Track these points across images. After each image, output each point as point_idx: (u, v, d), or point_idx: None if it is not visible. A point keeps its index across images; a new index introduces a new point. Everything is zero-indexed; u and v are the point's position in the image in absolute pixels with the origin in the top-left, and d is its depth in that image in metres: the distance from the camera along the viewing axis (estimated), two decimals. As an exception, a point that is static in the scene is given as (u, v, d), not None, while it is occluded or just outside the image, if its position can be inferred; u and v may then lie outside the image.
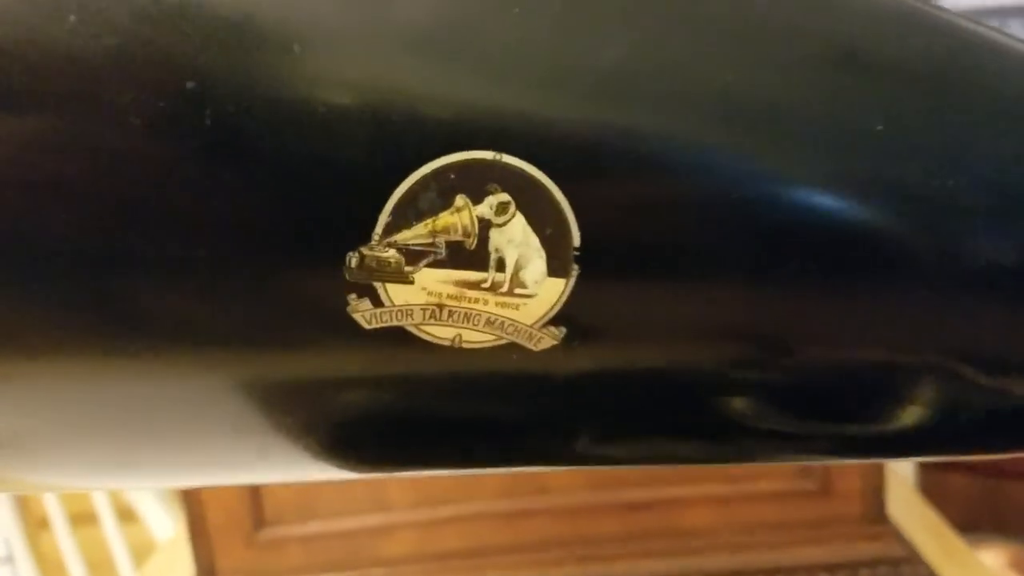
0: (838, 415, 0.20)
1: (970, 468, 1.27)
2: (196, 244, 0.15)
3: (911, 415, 0.20)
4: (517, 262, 0.16)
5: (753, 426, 0.20)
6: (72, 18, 0.14)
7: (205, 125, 0.15)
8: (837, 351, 0.19)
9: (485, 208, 0.16)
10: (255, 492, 0.66)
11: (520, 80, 0.16)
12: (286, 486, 0.66)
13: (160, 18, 0.14)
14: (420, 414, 0.19)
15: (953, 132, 0.18)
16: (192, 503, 0.65)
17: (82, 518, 1.03)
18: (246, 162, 0.15)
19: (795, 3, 0.18)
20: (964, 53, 0.19)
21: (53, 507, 0.94)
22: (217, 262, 0.16)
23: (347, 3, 0.16)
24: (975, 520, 1.29)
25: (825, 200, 0.18)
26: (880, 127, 0.17)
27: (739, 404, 0.20)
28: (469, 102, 0.16)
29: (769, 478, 0.64)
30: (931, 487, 1.30)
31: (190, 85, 0.15)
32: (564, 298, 0.16)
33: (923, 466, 1.32)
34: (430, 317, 0.16)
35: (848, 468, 0.66)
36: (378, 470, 0.22)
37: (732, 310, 0.18)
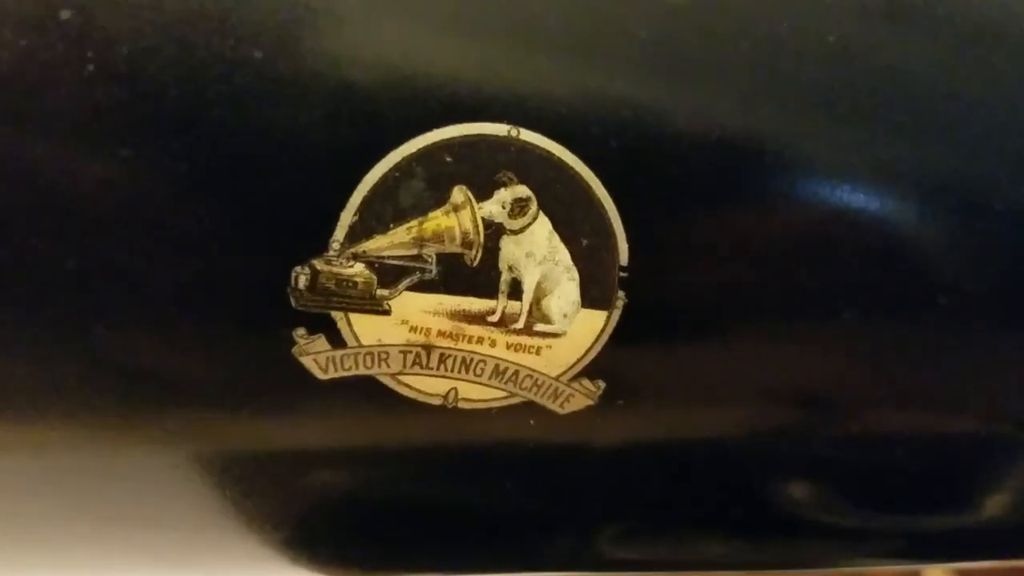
0: (916, 502, 0.17)
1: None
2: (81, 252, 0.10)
3: (1006, 503, 0.17)
4: (539, 286, 0.12)
5: (812, 519, 0.17)
6: None
7: (86, 72, 0.10)
8: (926, 415, 0.16)
9: (495, 206, 0.12)
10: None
11: (547, 36, 0.12)
12: None
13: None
14: (395, 502, 0.15)
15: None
16: None
17: None
18: (143, 126, 0.10)
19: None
20: None
21: None
22: (118, 284, 0.11)
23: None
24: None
25: (930, 224, 0.14)
26: None
27: (797, 491, 0.16)
28: (474, 58, 0.12)
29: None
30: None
31: (65, 15, 0.10)
32: (605, 339, 0.12)
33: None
34: (413, 363, 0.12)
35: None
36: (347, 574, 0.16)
37: (813, 355, 0.14)
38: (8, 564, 0.16)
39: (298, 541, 0.15)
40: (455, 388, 0.13)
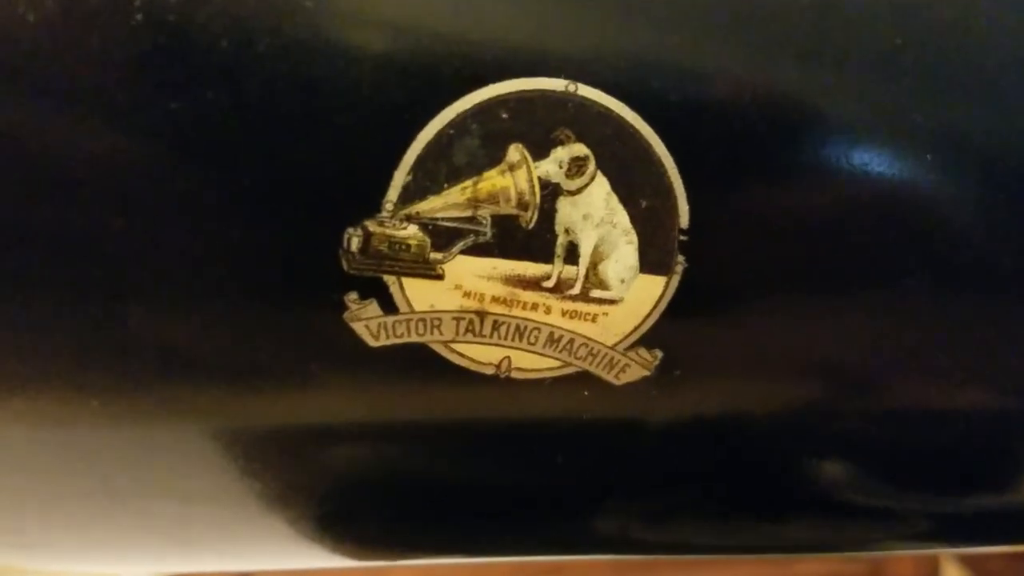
0: (944, 481, 0.17)
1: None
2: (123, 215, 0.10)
3: None
4: (596, 249, 0.12)
5: (843, 499, 0.16)
6: None
7: (135, 20, 0.10)
8: (952, 390, 0.15)
9: (551, 165, 0.11)
10: None
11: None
12: None
13: None
14: (444, 477, 0.14)
15: None
16: None
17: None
18: (194, 79, 0.10)
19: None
20: None
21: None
22: (163, 255, 0.10)
23: None
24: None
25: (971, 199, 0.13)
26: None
27: (834, 469, 0.16)
28: (531, 11, 0.11)
29: (815, 561, 0.58)
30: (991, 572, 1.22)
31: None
32: (663, 306, 0.12)
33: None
34: (466, 331, 0.12)
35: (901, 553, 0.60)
36: (380, 556, 0.16)
37: (868, 328, 0.14)
38: (33, 540, 0.16)
39: (335, 519, 0.14)
40: (508, 357, 0.12)
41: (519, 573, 0.60)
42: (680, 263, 0.12)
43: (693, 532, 0.17)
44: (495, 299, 0.12)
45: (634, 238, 0.12)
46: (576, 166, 0.11)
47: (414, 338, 0.12)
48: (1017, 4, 0.13)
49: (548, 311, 0.12)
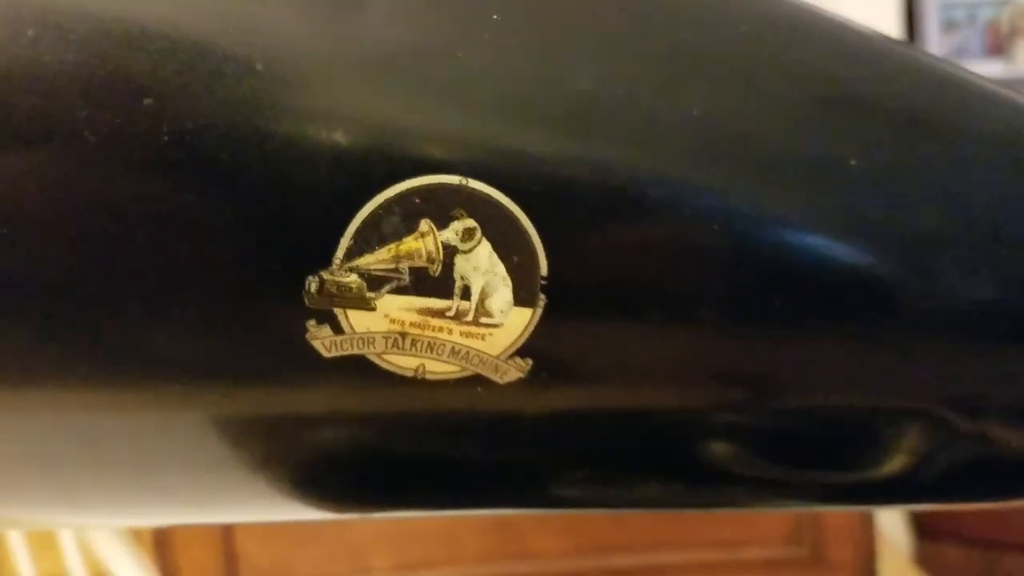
0: (820, 462, 0.20)
1: (968, 540, 1.25)
2: (149, 264, 0.15)
3: (894, 462, 0.19)
4: (483, 290, 0.16)
5: (735, 472, 0.20)
6: (30, 32, 0.14)
7: (162, 141, 0.14)
8: (817, 396, 0.19)
9: (450, 234, 0.15)
10: (231, 556, 0.64)
11: (489, 106, 0.16)
12: (263, 547, 0.64)
13: (120, 35, 0.14)
14: (384, 452, 0.18)
15: (928, 171, 0.18)
16: (167, 565, 0.63)
17: (55, 584, 1.00)
18: (203, 181, 0.15)
19: (771, 39, 0.18)
20: (941, 94, 0.19)
21: (26, 570, 0.92)
22: (172, 285, 0.15)
23: (314, 25, 0.16)
24: (973, 595, 1.26)
25: (801, 238, 0.17)
26: (854, 162, 0.17)
27: (719, 449, 0.19)
28: (436, 127, 0.16)
29: (760, 545, 0.63)
30: (928, 560, 1.27)
31: (147, 102, 0.14)
32: (531, 329, 0.16)
33: (920, 538, 1.30)
34: (392, 346, 0.16)
35: (840, 536, 0.65)
36: (344, 511, 0.21)
37: (707, 353, 0.18)
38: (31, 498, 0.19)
39: (305, 483, 0.19)
40: (423, 364, 0.16)
41: (487, 557, 0.65)
42: (542, 299, 0.16)
43: (595, 492, 0.21)
44: (412, 324, 0.16)
45: (509, 283, 0.16)
46: (468, 234, 0.16)
47: (356, 351, 0.16)
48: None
49: (450, 332, 0.16)
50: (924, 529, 1.28)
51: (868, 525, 0.67)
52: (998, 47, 1.52)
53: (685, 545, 0.62)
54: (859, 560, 0.66)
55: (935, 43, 1.49)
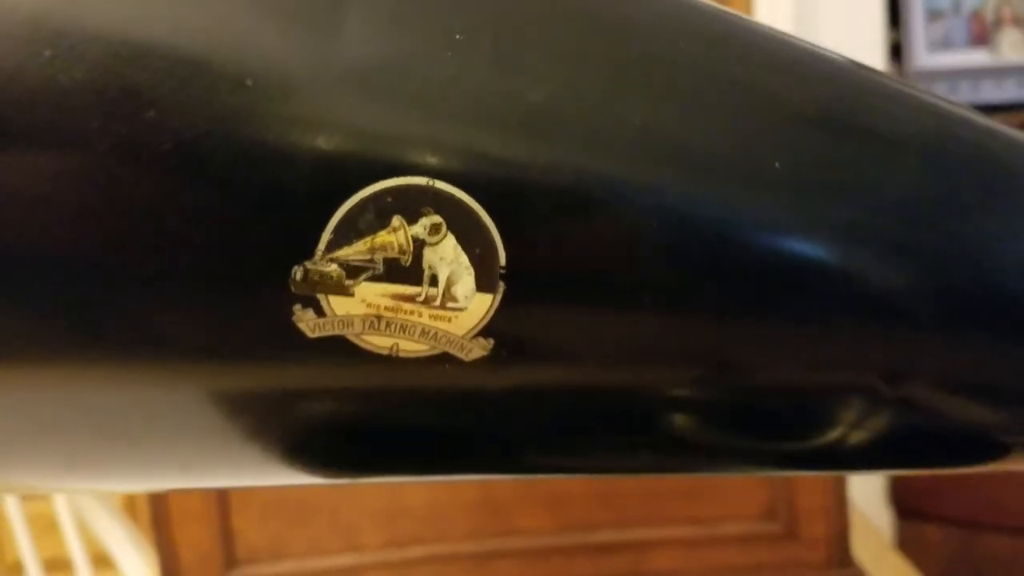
0: (774, 433, 0.22)
1: (947, 520, 1.28)
2: (151, 257, 0.17)
3: (841, 432, 0.21)
4: (448, 278, 0.17)
5: (694, 441, 0.21)
6: (47, 53, 0.16)
7: (164, 150, 0.16)
8: (765, 373, 0.20)
9: (419, 228, 0.17)
10: (227, 533, 0.66)
11: (453, 116, 0.18)
12: (259, 525, 0.66)
13: (126, 56, 0.16)
14: (364, 422, 0.20)
15: (849, 169, 0.20)
16: (164, 544, 0.65)
17: (56, 564, 1.02)
18: (201, 184, 0.17)
19: (705, 54, 0.20)
20: (860, 98, 0.21)
21: (27, 552, 0.94)
22: (173, 273, 0.17)
23: (297, 45, 0.18)
24: (953, 574, 1.29)
25: (731, 231, 0.19)
26: (778, 164, 0.19)
27: (678, 421, 0.21)
28: (406, 134, 0.18)
29: (735, 521, 0.65)
30: (908, 540, 1.30)
31: (150, 114, 0.16)
32: (492, 312, 0.18)
33: (900, 518, 1.33)
34: (369, 327, 0.18)
35: (814, 513, 0.67)
36: (330, 476, 0.23)
37: (650, 335, 0.20)
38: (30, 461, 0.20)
39: (294, 450, 0.21)
40: (397, 343, 0.17)
41: (474, 534, 0.67)
42: (501, 286, 0.17)
43: (561, 460, 0.23)
44: (387, 308, 0.17)
45: (472, 271, 0.17)
46: (435, 229, 0.18)
47: (336, 332, 0.17)
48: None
49: (420, 315, 0.17)
50: (904, 509, 1.31)
51: (842, 502, 0.69)
52: (983, 36, 1.54)
53: (665, 521, 0.65)
54: (832, 535, 0.68)
55: (920, 32, 1.50)
